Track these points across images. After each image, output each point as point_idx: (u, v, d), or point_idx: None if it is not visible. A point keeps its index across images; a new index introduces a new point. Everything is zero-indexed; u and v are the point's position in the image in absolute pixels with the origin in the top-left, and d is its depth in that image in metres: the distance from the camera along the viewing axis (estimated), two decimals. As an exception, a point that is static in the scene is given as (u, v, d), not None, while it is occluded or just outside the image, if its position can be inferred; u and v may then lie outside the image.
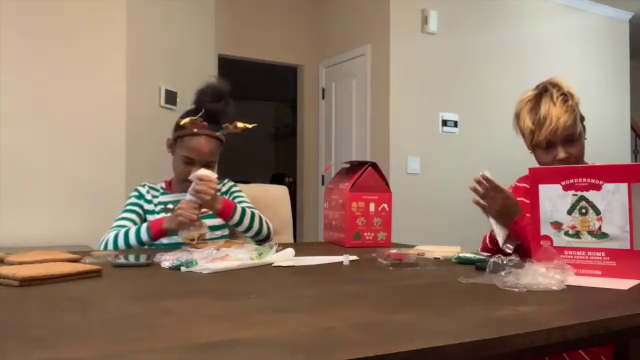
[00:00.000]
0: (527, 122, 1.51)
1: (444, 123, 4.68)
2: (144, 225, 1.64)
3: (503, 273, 1.03)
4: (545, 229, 1.21)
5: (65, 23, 2.78)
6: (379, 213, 1.78)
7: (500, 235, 1.47)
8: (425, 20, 4.57)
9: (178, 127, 1.74)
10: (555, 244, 1.19)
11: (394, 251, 1.35)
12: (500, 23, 5.05)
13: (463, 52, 4.79)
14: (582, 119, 1.54)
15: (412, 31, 4.57)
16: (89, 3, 2.83)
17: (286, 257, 1.37)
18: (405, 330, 0.72)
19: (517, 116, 1.56)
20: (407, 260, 1.30)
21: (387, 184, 1.83)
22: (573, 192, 1.17)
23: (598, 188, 1.14)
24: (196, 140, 1.71)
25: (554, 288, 0.97)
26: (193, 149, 1.71)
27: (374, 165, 1.83)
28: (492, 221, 1.48)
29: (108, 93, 2.87)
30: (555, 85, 1.52)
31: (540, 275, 1.01)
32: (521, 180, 1.71)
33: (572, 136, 1.48)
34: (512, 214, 1.44)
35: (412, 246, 1.63)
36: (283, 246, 1.45)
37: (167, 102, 3.23)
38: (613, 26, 5.87)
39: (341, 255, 1.40)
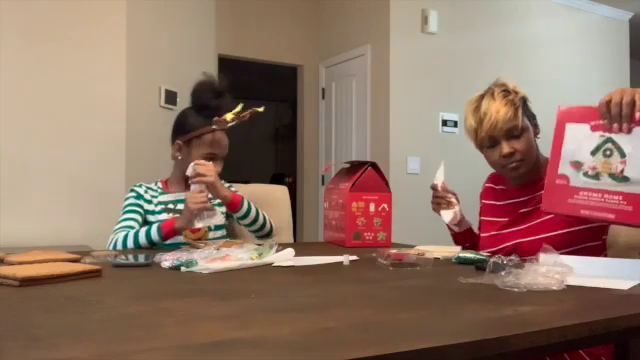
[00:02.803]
0: (471, 121, 1.50)
1: (444, 123, 4.68)
2: (154, 226, 1.64)
3: (503, 273, 1.03)
4: (564, 168, 1.18)
5: (65, 23, 2.78)
6: (379, 213, 1.78)
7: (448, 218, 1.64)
8: (425, 20, 4.57)
9: (184, 129, 1.76)
10: (571, 184, 1.16)
11: (394, 251, 1.35)
12: (500, 23, 5.05)
13: (463, 52, 4.78)
14: (532, 117, 1.52)
15: (412, 31, 4.57)
16: (89, 3, 2.83)
17: (286, 257, 1.37)
18: (405, 330, 0.72)
19: (465, 119, 1.55)
20: (407, 260, 1.30)
21: (387, 184, 1.83)
22: (601, 133, 1.14)
23: (628, 131, 1.11)
24: (215, 135, 1.75)
25: (554, 288, 0.97)
26: (215, 144, 1.75)
27: (374, 165, 1.83)
28: (442, 212, 1.66)
29: (108, 93, 2.87)
30: (499, 85, 1.51)
31: (540, 275, 1.01)
32: (489, 180, 1.72)
33: (514, 130, 1.44)
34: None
35: (412, 246, 1.63)
36: (283, 246, 1.45)
37: (167, 102, 3.23)
38: (613, 26, 5.87)
39: (341, 255, 1.40)
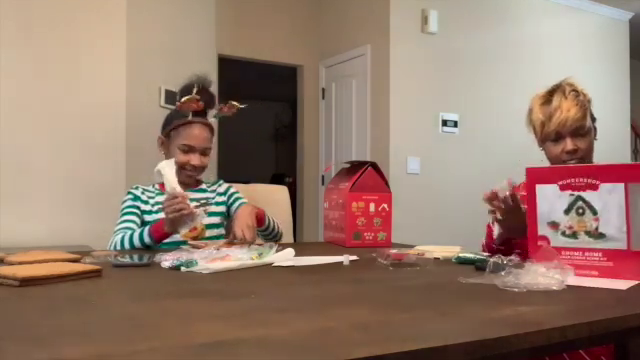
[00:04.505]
0: (538, 114, 1.56)
1: (444, 123, 4.68)
2: (145, 230, 1.65)
3: (503, 273, 1.03)
4: (542, 229, 1.20)
5: (65, 23, 2.78)
6: (379, 213, 1.78)
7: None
8: (425, 20, 4.57)
9: (166, 124, 1.82)
10: (552, 244, 1.19)
11: (394, 251, 1.35)
12: (500, 23, 5.05)
13: (463, 52, 4.79)
14: (593, 119, 1.59)
15: (412, 31, 4.57)
16: (89, 3, 2.83)
17: (286, 257, 1.37)
18: (405, 330, 0.72)
19: (530, 111, 1.61)
20: (407, 260, 1.30)
21: (387, 184, 1.83)
22: (570, 192, 1.17)
23: (595, 188, 1.14)
24: (191, 128, 1.77)
25: (554, 288, 0.97)
26: (190, 136, 1.77)
27: (374, 165, 1.83)
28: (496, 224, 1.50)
29: (108, 93, 2.87)
30: (568, 84, 1.58)
31: (540, 275, 1.01)
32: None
33: (581, 129, 1.52)
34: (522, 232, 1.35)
35: (412, 246, 1.63)
36: (283, 246, 1.45)
37: (167, 102, 3.22)
38: (613, 26, 5.87)
39: (341, 255, 1.40)
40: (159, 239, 1.63)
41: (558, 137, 1.54)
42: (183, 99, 1.72)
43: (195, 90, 1.74)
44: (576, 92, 1.54)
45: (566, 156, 1.53)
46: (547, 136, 1.56)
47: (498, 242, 1.54)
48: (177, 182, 1.61)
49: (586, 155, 1.54)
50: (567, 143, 1.52)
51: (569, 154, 1.53)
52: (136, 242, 1.64)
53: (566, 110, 1.51)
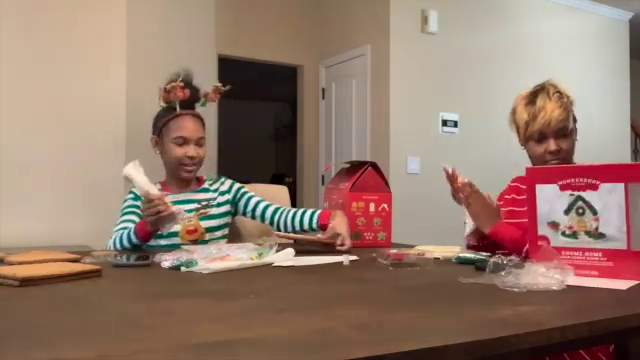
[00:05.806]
0: (523, 115, 1.59)
1: (444, 123, 4.68)
2: (132, 229, 1.63)
3: (503, 273, 1.03)
4: (542, 229, 1.21)
5: (65, 23, 2.78)
6: (379, 213, 1.78)
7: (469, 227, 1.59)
8: (425, 20, 4.57)
9: (157, 123, 1.83)
10: (552, 244, 1.19)
11: (394, 251, 1.35)
12: (500, 23, 5.05)
13: (463, 52, 4.79)
14: (574, 120, 1.61)
15: (412, 31, 4.57)
16: (89, 3, 2.83)
17: (286, 257, 1.37)
18: (405, 330, 0.72)
19: (513, 111, 1.65)
20: (407, 260, 1.30)
21: (387, 184, 1.83)
22: (570, 192, 1.17)
23: (595, 188, 1.14)
24: (181, 119, 1.77)
25: (554, 288, 0.97)
26: (182, 128, 1.76)
27: (374, 165, 1.83)
28: (466, 212, 1.59)
29: (108, 93, 2.87)
30: (552, 85, 1.61)
31: (540, 275, 1.01)
32: (515, 180, 1.75)
33: (564, 130, 1.55)
34: (492, 218, 1.54)
35: (412, 246, 1.63)
36: (283, 246, 1.45)
37: (167, 102, 3.22)
38: (613, 26, 5.87)
39: (341, 255, 1.40)
40: (144, 238, 1.61)
41: (541, 137, 1.57)
42: (167, 86, 1.72)
43: (179, 79, 1.72)
44: (560, 94, 1.57)
45: (549, 156, 1.56)
46: (530, 136, 1.59)
47: (473, 240, 1.61)
48: (149, 182, 1.53)
49: (568, 155, 1.58)
50: (550, 143, 1.55)
51: (552, 154, 1.55)
52: (125, 242, 1.62)
53: (550, 111, 1.53)
